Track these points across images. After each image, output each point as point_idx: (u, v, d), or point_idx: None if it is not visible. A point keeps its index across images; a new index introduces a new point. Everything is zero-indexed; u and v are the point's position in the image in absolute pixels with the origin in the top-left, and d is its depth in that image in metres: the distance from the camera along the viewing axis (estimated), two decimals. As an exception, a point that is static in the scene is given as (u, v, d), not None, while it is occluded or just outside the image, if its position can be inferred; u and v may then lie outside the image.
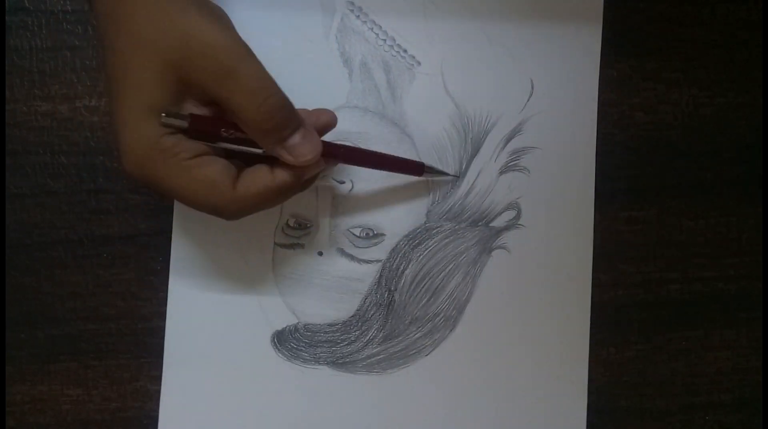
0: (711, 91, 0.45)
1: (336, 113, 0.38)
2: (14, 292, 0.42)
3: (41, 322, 0.42)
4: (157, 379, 0.42)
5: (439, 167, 0.42)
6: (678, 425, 0.45)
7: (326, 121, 0.38)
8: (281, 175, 0.35)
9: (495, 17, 0.43)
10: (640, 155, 0.44)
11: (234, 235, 0.42)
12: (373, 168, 0.41)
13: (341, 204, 0.43)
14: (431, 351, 0.43)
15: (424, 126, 0.43)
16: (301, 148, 0.35)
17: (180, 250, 0.42)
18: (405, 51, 0.43)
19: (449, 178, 0.43)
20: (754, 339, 0.45)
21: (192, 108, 0.34)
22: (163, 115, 0.33)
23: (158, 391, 0.42)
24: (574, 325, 0.44)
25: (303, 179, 0.36)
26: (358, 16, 0.42)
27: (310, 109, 0.38)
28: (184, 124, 0.33)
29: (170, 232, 0.42)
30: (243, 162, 0.36)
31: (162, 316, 0.42)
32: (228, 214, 0.35)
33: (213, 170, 0.34)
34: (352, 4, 0.42)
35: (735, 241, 0.45)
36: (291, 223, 0.43)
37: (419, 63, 0.43)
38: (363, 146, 0.42)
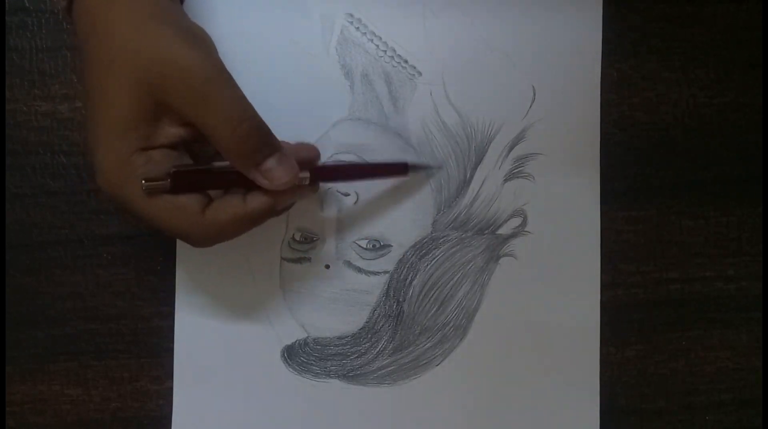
0: (711, 91, 0.45)
1: (339, 126, 0.38)
2: (14, 292, 0.42)
3: (41, 322, 0.42)
4: (158, 379, 0.42)
5: (422, 162, 0.42)
6: (678, 425, 0.45)
7: (306, 155, 0.37)
8: (254, 203, 0.35)
9: (494, 25, 0.43)
10: (640, 155, 0.44)
11: (240, 251, 0.42)
12: (359, 180, 0.41)
13: (346, 216, 0.42)
14: (442, 360, 0.43)
15: (427, 136, 0.43)
16: (275, 171, 0.34)
17: (186, 270, 0.42)
18: (405, 61, 0.43)
19: (434, 169, 0.42)
20: (754, 339, 0.45)
21: (168, 128, 0.33)
22: (143, 181, 0.33)
23: (158, 391, 0.42)
24: (584, 329, 0.43)
25: (277, 209, 0.36)
26: (357, 28, 0.42)
27: (311, 121, 0.39)
28: (166, 185, 0.33)
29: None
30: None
31: (162, 316, 0.42)
32: (195, 240, 0.35)
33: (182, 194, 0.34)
34: (351, 16, 0.42)
35: (735, 241, 0.45)
36: (297, 237, 0.42)
37: (420, 73, 0.43)
38: (368, 159, 0.42)
